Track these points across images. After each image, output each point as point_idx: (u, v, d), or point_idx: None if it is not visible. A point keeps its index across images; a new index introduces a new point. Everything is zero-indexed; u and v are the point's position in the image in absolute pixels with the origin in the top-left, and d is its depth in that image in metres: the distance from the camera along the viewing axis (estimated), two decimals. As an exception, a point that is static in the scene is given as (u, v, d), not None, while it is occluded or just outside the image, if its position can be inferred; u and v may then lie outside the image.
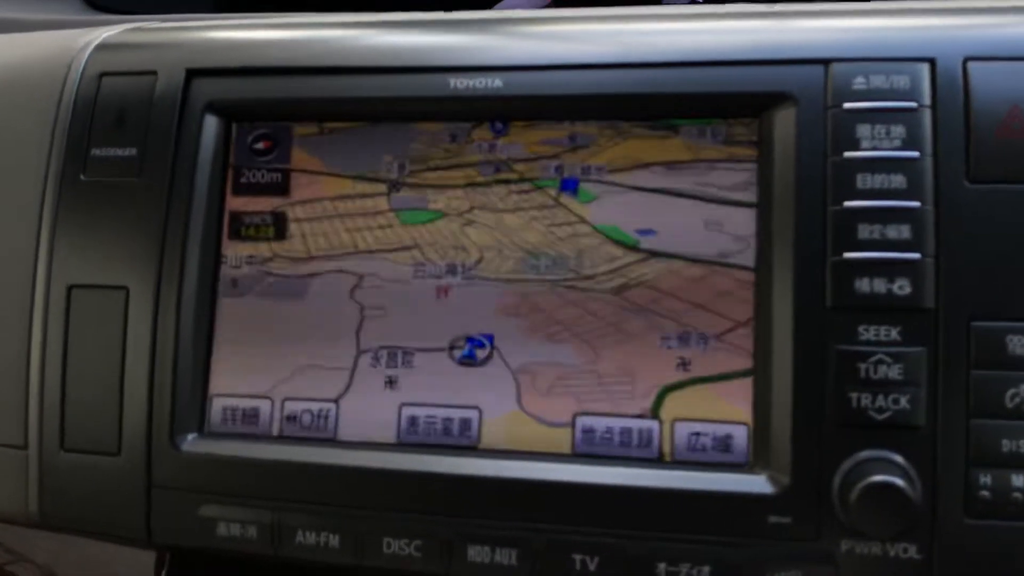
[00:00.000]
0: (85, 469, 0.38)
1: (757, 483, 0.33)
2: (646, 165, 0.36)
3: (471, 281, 0.37)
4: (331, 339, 0.37)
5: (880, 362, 0.32)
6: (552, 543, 0.34)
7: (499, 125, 0.38)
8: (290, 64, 0.39)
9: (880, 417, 0.32)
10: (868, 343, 0.32)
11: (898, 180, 0.33)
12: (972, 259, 0.32)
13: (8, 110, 0.42)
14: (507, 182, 0.37)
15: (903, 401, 0.32)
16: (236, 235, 0.39)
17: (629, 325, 0.35)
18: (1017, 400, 0.31)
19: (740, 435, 0.34)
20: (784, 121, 0.34)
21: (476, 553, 0.34)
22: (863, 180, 0.33)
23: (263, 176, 0.39)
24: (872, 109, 0.33)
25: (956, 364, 0.32)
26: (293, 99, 0.39)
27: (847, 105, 0.33)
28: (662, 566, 0.33)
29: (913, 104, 0.33)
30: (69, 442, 0.38)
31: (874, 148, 0.33)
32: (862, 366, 0.32)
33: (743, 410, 0.34)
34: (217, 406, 0.38)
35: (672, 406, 0.35)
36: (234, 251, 0.39)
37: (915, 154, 0.33)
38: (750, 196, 0.35)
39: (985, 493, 0.31)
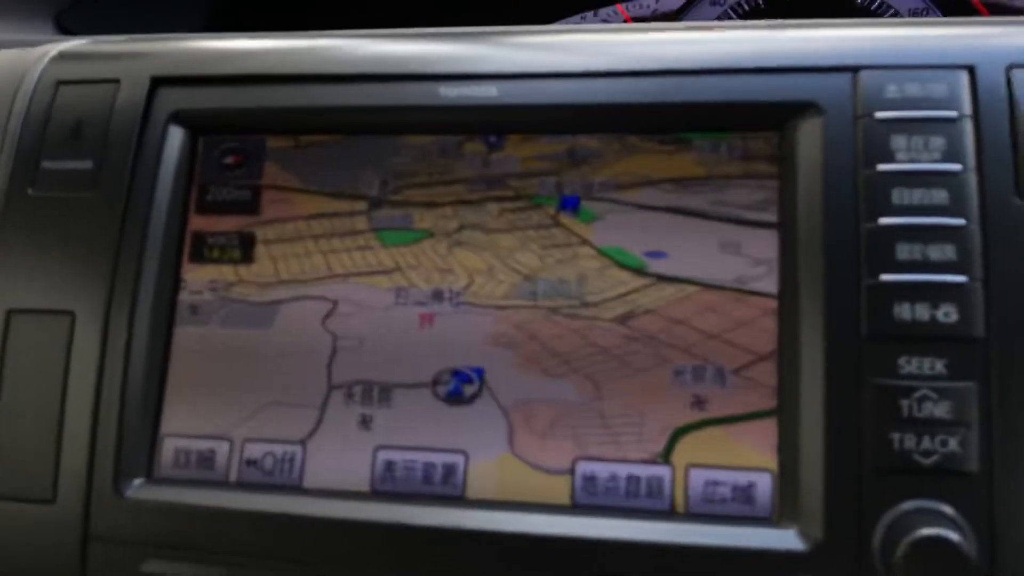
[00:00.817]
0: (13, 518, 0.35)
1: (785, 539, 0.30)
2: (654, 182, 0.34)
3: (459, 308, 0.34)
4: (299, 373, 0.34)
5: (925, 398, 0.30)
6: (548, 607, 0.31)
7: (493, 138, 0.35)
8: (264, 72, 0.37)
9: (926, 462, 0.29)
10: (910, 377, 0.30)
11: (940, 195, 0.31)
12: None
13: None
14: (501, 199, 0.35)
15: (952, 443, 0.29)
16: (198, 257, 0.36)
17: (636, 358, 0.33)
18: (1081, 443, 0.29)
19: (764, 484, 0.31)
20: (809, 132, 0.32)
21: (460, 619, 0.32)
22: (900, 195, 0.31)
23: (230, 193, 0.37)
24: (908, 119, 0.32)
25: (1011, 400, 0.30)
26: (267, 109, 0.36)
27: (879, 114, 0.32)
28: None
29: (953, 113, 0.32)
30: None
31: (911, 160, 0.31)
32: (904, 403, 0.30)
33: (767, 455, 0.31)
34: (169, 447, 0.35)
35: (686, 450, 0.32)
36: (195, 275, 0.36)
37: (957, 167, 0.31)
38: (770, 216, 0.33)
39: None
